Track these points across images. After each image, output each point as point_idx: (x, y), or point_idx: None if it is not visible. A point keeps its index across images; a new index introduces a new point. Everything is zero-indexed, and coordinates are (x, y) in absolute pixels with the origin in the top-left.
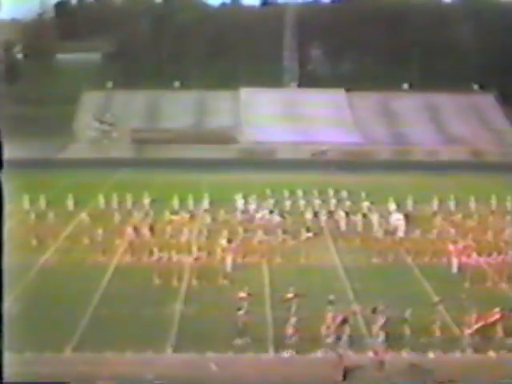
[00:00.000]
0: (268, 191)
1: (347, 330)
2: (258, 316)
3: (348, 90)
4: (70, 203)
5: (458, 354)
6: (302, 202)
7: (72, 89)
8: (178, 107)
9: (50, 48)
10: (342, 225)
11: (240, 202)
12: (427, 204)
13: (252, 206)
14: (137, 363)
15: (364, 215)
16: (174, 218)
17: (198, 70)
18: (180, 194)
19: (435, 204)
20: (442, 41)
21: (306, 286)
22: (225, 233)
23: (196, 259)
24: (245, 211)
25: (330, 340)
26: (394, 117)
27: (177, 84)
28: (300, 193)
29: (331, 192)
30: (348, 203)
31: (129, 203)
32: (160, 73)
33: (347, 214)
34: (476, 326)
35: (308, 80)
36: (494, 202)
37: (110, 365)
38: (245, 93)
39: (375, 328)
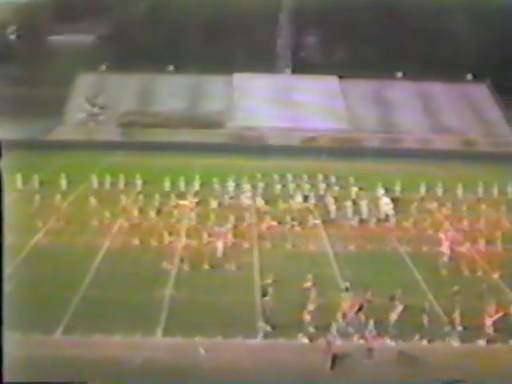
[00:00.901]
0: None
1: (362, 317)
2: (247, 302)
3: (341, 78)
4: (63, 182)
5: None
6: (291, 186)
7: (65, 71)
8: (172, 91)
9: (44, 30)
10: (332, 211)
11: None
12: (415, 190)
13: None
14: (125, 346)
15: (354, 201)
16: (182, 202)
17: (192, 54)
18: (170, 178)
19: (422, 190)
20: (437, 30)
21: (295, 272)
22: (231, 218)
23: (207, 244)
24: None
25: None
26: (387, 105)
27: (171, 68)
28: (290, 177)
29: (320, 177)
30: (337, 188)
31: (121, 185)
32: (154, 56)
33: (336, 199)
34: (496, 317)
35: (301, 67)
36: (480, 189)
37: (99, 348)
38: (238, 78)
39: (393, 315)
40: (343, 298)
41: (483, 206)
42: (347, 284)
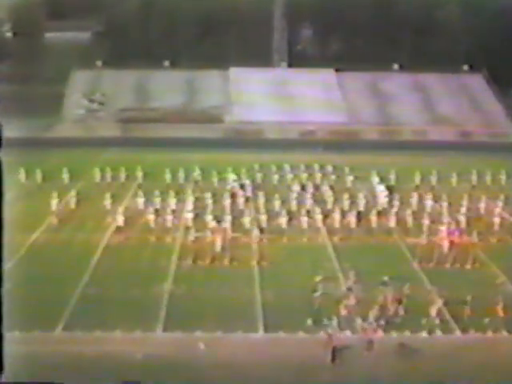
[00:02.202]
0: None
1: (401, 310)
2: (247, 296)
3: (338, 70)
4: (65, 178)
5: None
6: (289, 176)
7: (61, 68)
8: (168, 86)
9: (40, 27)
10: (330, 202)
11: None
12: (409, 180)
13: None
14: (126, 342)
15: (350, 193)
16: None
17: (187, 49)
18: (171, 171)
19: (417, 179)
20: (432, 21)
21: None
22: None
23: (232, 240)
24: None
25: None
26: (384, 97)
27: (166, 63)
28: (287, 168)
29: (317, 167)
30: (333, 177)
31: (121, 180)
32: (149, 52)
33: (333, 189)
34: None
35: (298, 60)
36: (474, 177)
37: (100, 344)
38: (234, 72)
39: (433, 309)
40: (381, 291)
41: (477, 194)
42: (385, 278)
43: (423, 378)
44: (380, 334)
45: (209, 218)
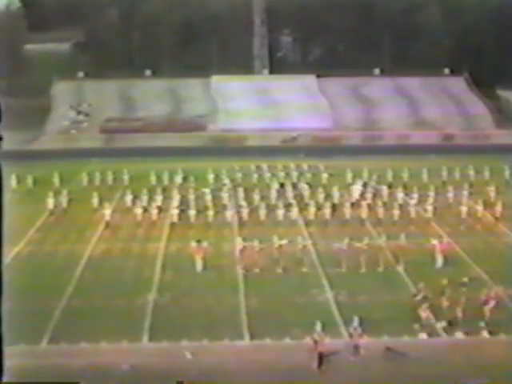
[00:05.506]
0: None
1: (487, 312)
2: (232, 303)
3: (319, 76)
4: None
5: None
6: (268, 175)
7: (43, 79)
8: (151, 96)
9: (19, 39)
10: (307, 197)
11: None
12: (384, 178)
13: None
14: (112, 353)
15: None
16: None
17: (168, 58)
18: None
19: (389, 175)
20: (413, 25)
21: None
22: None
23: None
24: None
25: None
26: (366, 102)
27: (148, 73)
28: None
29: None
30: (309, 175)
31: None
32: (131, 62)
33: (309, 185)
34: None
35: (279, 66)
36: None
37: (86, 356)
38: (216, 80)
39: None
40: (461, 293)
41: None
42: (465, 279)
43: (411, 382)
44: (366, 338)
45: (192, 212)
